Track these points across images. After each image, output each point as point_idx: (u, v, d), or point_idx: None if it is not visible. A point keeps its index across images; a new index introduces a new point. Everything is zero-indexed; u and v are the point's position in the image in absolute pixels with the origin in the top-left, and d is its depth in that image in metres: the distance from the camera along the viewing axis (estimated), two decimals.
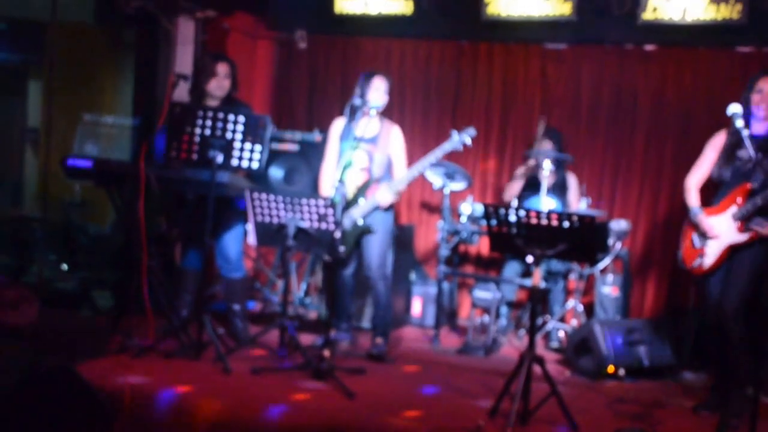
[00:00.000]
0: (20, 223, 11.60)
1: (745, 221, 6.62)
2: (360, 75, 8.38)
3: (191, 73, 8.55)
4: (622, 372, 8.35)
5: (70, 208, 12.35)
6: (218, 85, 8.24)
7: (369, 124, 8.23)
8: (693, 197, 7.02)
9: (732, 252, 6.72)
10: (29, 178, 14.21)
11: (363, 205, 8.19)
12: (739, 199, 6.64)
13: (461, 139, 8.15)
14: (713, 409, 6.87)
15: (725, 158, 6.83)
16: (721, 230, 6.73)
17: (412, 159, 8.61)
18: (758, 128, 6.80)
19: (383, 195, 8.13)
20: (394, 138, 8.38)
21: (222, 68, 8.28)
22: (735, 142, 6.76)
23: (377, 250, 8.30)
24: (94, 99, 13.07)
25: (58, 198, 12.50)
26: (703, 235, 6.87)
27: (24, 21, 13.56)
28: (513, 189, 9.98)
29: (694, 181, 7.10)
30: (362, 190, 8.21)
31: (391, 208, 8.46)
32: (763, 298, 6.57)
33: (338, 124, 8.42)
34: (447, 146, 8.18)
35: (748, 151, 6.56)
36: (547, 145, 9.68)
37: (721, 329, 6.85)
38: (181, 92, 8.31)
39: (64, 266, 11.00)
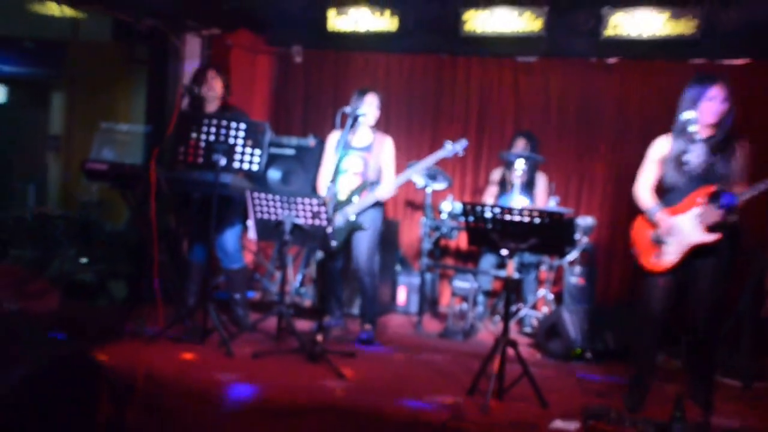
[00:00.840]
0: (44, 220, 11.53)
1: (709, 224, 6.44)
2: (355, 91, 8.38)
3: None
4: (588, 354, 8.38)
5: (88, 207, 12.48)
6: (209, 87, 8.19)
7: (363, 135, 8.29)
8: (649, 199, 6.75)
9: (694, 252, 6.56)
10: (52, 180, 14.25)
11: (357, 203, 8.14)
12: (700, 200, 6.46)
13: (454, 149, 8.16)
14: (635, 406, 6.71)
15: (676, 164, 6.63)
16: (683, 228, 6.55)
17: (397, 162, 8.55)
18: (703, 133, 6.57)
19: (384, 189, 8.12)
20: (387, 148, 8.36)
21: (210, 73, 8.27)
22: (685, 147, 6.57)
23: (366, 246, 8.27)
24: (110, 109, 13.22)
25: (77, 198, 12.77)
26: (662, 235, 6.69)
27: (48, 40, 13.86)
28: (489, 195, 9.97)
29: (645, 188, 6.84)
30: (357, 191, 8.18)
31: (381, 207, 8.44)
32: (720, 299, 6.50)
33: (335, 136, 8.35)
34: (440, 154, 8.19)
35: (700, 155, 6.42)
36: (520, 143, 9.71)
37: (657, 327, 6.74)
38: (189, 102, 8.30)
39: (83, 260, 10.89)
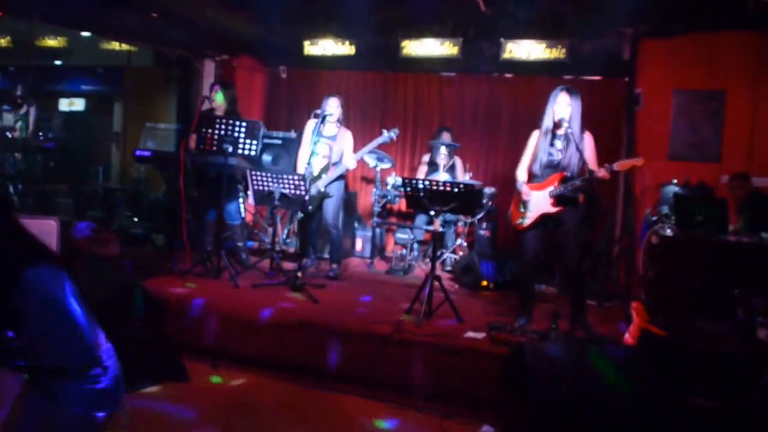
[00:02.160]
0: (108, 191, 11.78)
1: (556, 198, 6.27)
2: (324, 96, 8.21)
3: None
4: (492, 285, 8.36)
5: (138, 182, 12.52)
6: (212, 98, 8.18)
7: (330, 128, 8.09)
8: (521, 176, 6.52)
9: (544, 218, 6.36)
10: (114, 163, 14.45)
11: (324, 178, 7.97)
12: (556, 183, 6.29)
13: (389, 135, 8.02)
14: (525, 322, 6.53)
15: (541, 153, 6.35)
16: (538, 201, 6.35)
17: (355, 148, 8.28)
18: (558, 130, 6.30)
19: (349, 161, 7.93)
20: (347, 138, 8.15)
21: (215, 88, 8.30)
22: (548, 141, 6.34)
23: (332, 208, 8.12)
24: (153, 113, 13.33)
25: (131, 176, 12.89)
26: (526, 203, 6.48)
27: (111, 66, 14.68)
28: (421, 172, 9.73)
29: (521, 168, 6.56)
30: (324, 170, 7.99)
31: (343, 181, 8.29)
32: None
33: (309, 126, 8.15)
34: (380, 140, 8.03)
35: (557, 147, 6.31)
36: (446, 136, 9.53)
37: (532, 268, 6.65)
38: (206, 107, 8.24)
39: (135, 219, 11.05)
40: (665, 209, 7.97)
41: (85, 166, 13.48)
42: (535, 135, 6.50)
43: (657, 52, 8.82)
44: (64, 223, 6.91)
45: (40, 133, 11.33)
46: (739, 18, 7.98)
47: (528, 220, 6.40)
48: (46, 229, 6.51)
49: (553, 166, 6.32)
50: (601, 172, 5.95)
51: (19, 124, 10.95)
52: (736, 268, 6.55)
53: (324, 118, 7.85)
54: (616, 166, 6.00)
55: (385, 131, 8.05)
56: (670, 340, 5.36)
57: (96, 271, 6.71)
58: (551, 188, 6.28)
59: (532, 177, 6.49)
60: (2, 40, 14.21)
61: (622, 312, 6.89)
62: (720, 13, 8.24)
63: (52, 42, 14.47)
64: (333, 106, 8.01)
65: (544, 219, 6.37)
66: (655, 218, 8.00)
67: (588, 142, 6.30)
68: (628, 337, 5.77)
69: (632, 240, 8.69)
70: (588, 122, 6.66)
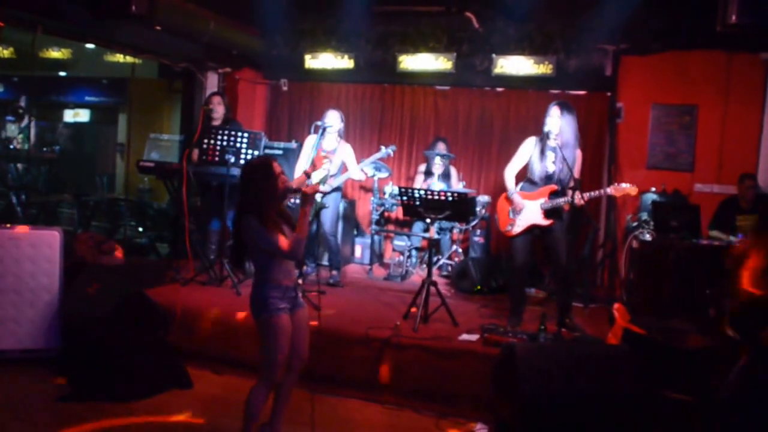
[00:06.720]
0: (113, 201, 11.68)
1: (546, 211, 6.50)
2: (324, 108, 8.41)
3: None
4: (485, 289, 8.49)
5: (142, 192, 12.61)
6: (214, 109, 8.39)
7: (329, 141, 8.18)
8: (511, 183, 6.73)
9: (533, 228, 6.61)
10: (118, 173, 14.48)
11: (322, 189, 8.05)
12: (546, 197, 6.52)
13: (387, 151, 8.20)
14: (515, 324, 6.73)
15: (536, 163, 6.61)
16: (530, 211, 6.57)
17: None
18: (553, 143, 6.51)
19: (355, 172, 8.16)
20: (348, 151, 8.24)
21: (216, 99, 8.53)
22: (543, 152, 6.58)
23: (329, 217, 8.22)
24: (157, 124, 13.45)
25: (135, 186, 13.03)
26: (515, 210, 6.68)
27: (116, 78, 14.60)
28: (417, 181, 9.82)
29: (511, 173, 6.77)
30: (322, 181, 8.02)
31: (339, 192, 8.41)
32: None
33: (309, 140, 8.21)
34: (378, 155, 8.24)
35: (551, 159, 6.53)
36: (441, 146, 9.66)
37: (522, 273, 6.86)
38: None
39: (140, 228, 11.13)
40: (644, 215, 8.19)
41: (89, 177, 13.55)
42: (529, 141, 6.71)
43: (636, 69, 9.15)
44: (68, 234, 7.01)
45: (45, 148, 11.39)
46: (708, 38, 8.27)
47: (518, 229, 6.62)
48: (48, 239, 6.56)
49: (548, 178, 6.55)
50: (578, 200, 6.17)
51: (20, 135, 11.06)
52: (708, 270, 6.85)
53: (324, 130, 7.90)
54: (611, 190, 6.31)
55: (383, 147, 8.21)
56: (649, 338, 5.54)
57: (100, 280, 6.81)
58: (542, 201, 6.50)
59: (528, 184, 6.71)
60: (5, 51, 14.19)
61: (606, 313, 7.07)
62: (691, 33, 8.59)
63: (56, 53, 14.51)
64: (333, 118, 8.11)
65: (532, 228, 6.60)
66: (635, 224, 8.24)
67: (577, 158, 6.52)
68: (612, 337, 5.95)
69: (615, 245, 8.94)
70: None
